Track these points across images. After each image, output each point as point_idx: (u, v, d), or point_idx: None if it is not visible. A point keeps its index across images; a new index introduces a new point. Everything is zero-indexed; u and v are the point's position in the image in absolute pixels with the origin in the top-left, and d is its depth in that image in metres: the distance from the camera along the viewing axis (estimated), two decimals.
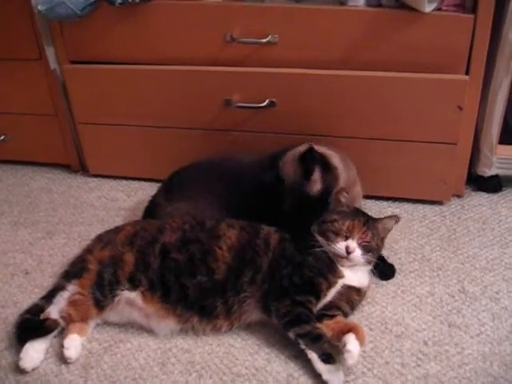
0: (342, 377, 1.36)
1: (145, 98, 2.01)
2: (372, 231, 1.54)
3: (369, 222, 1.56)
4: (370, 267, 1.57)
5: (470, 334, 1.50)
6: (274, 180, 1.66)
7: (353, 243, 1.50)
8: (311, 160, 1.61)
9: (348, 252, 1.49)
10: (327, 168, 1.65)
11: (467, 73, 1.76)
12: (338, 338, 1.39)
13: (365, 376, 1.38)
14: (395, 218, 1.60)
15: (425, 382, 1.37)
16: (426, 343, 1.47)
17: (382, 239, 1.59)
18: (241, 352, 1.48)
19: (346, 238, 1.51)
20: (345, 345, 1.33)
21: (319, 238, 1.53)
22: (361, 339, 1.36)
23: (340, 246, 1.50)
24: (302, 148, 1.66)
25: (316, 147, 1.64)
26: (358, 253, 1.50)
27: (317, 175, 1.62)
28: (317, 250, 1.52)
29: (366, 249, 1.51)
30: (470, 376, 1.38)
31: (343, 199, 1.59)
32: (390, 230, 1.61)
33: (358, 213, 1.60)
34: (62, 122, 2.21)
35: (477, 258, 1.75)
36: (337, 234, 1.52)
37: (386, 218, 1.61)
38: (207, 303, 1.49)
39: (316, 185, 1.63)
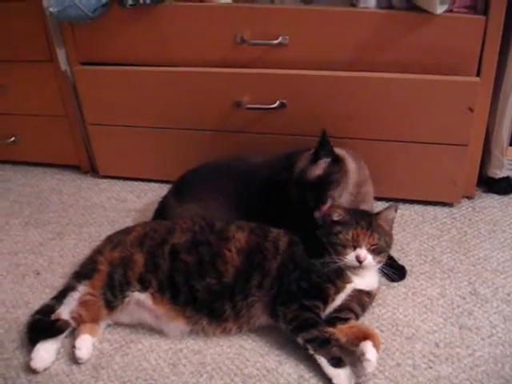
0: (353, 381, 1.36)
1: (155, 100, 2.02)
2: (377, 231, 1.53)
3: (371, 222, 1.54)
4: (378, 266, 1.56)
5: (482, 336, 1.49)
6: (288, 178, 1.67)
7: (362, 251, 1.49)
8: (321, 145, 1.63)
9: (359, 261, 1.48)
10: (337, 165, 1.65)
11: (478, 74, 1.76)
12: (352, 344, 1.39)
13: (376, 378, 1.38)
14: (394, 207, 1.59)
15: (436, 383, 1.37)
16: (437, 345, 1.47)
17: (389, 232, 1.58)
18: (251, 353, 1.48)
19: (354, 248, 1.50)
20: (363, 353, 1.33)
21: (330, 250, 1.52)
22: (377, 346, 1.36)
23: (350, 257, 1.49)
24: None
25: None
26: (369, 259, 1.49)
27: (322, 162, 1.63)
28: (327, 260, 1.50)
29: (376, 251, 1.51)
30: (482, 378, 1.37)
31: (337, 216, 1.57)
32: (393, 220, 1.60)
33: (358, 216, 1.56)
34: (72, 123, 2.22)
35: (488, 260, 1.74)
36: (344, 246, 1.51)
37: (384, 210, 1.59)
38: (216, 306, 1.49)
39: (317, 170, 1.63)
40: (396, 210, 1.60)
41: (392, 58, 1.78)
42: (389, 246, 1.56)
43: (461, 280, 1.68)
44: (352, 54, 1.81)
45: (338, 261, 1.49)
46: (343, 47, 1.81)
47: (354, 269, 1.51)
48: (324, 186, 1.63)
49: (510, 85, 1.81)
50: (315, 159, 1.64)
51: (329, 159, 1.64)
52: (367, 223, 1.53)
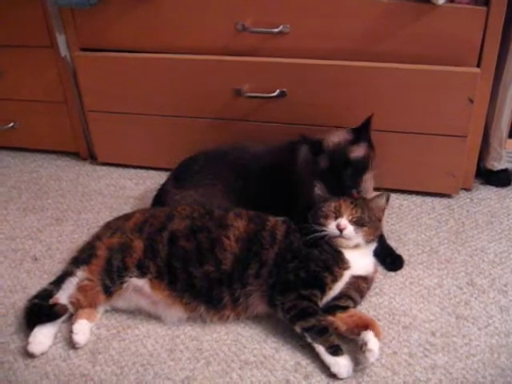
0: (351, 368, 1.36)
1: (155, 87, 2.01)
2: (361, 207, 1.54)
3: (357, 200, 1.57)
4: (372, 248, 1.58)
5: (478, 325, 1.50)
6: (290, 165, 1.68)
7: (343, 220, 1.50)
8: (365, 127, 1.65)
9: (340, 229, 1.49)
10: (372, 150, 1.69)
11: (479, 65, 1.76)
12: (353, 333, 1.41)
13: (373, 366, 1.39)
14: (385, 196, 1.60)
15: (432, 372, 1.37)
16: (433, 334, 1.48)
17: (378, 218, 1.59)
18: (249, 340, 1.48)
19: (336, 218, 1.52)
20: (365, 343, 1.34)
21: (315, 227, 1.52)
22: (378, 335, 1.37)
23: (331, 226, 1.51)
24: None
25: None
26: (350, 229, 1.50)
27: (363, 145, 1.66)
28: (316, 235, 1.51)
29: (358, 223, 1.51)
30: (478, 367, 1.38)
31: (320, 191, 1.61)
32: (383, 209, 1.61)
33: (344, 196, 1.60)
34: (71, 109, 2.21)
35: (485, 251, 1.75)
36: (326, 216, 1.53)
37: (375, 196, 1.61)
38: (214, 293, 1.49)
39: (359, 152, 1.64)
40: (388, 199, 1.61)
41: (393, 47, 1.78)
42: (374, 224, 1.55)
43: (458, 270, 1.68)
44: (352, 44, 1.81)
45: (322, 232, 1.50)
46: (343, 37, 1.80)
47: (341, 241, 1.51)
48: (364, 168, 1.66)
49: (509, 76, 1.80)
50: (357, 140, 1.65)
51: (366, 143, 1.66)
52: (352, 200, 1.56)
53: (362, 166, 1.65)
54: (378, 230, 1.58)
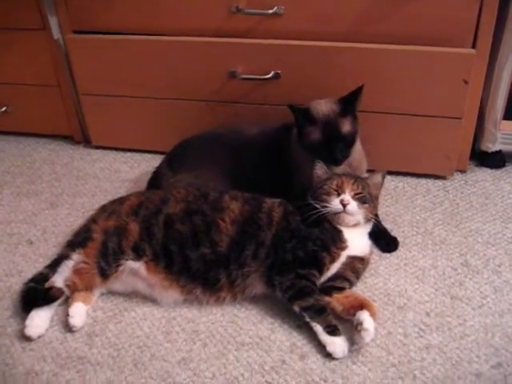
0: (346, 349, 1.37)
1: (148, 69, 2.00)
2: (361, 184, 1.57)
3: (357, 178, 1.60)
4: (369, 229, 1.60)
5: (472, 306, 1.51)
6: (287, 146, 1.69)
7: (346, 196, 1.52)
8: (353, 99, 1.64)
9: (343, 205, 1.51)
10: (357, 123, 1.68)
11: (474, 46, 1.75)
12: (348, 313, 1.42)
13: (368, 346, 1.39)
14: (382, 173, 1.64)
15: (427, 352, 1.38)
16: (428, 314, 1.49)
17: (376, 196, 1.61)
18: (245, 322, 1.49)
19: (339, 194, 1.54)
20: (361, 323, 1.35)
21: (317, 206, 1.53)
22: (374, 315, 1.39)
23: (335, 202, 1.52)
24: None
25: None
26: (353, 204, 1.52)
27: (350, 117, 1.65)
28: (317, 215, 1.52)
29: (360, 200, 1.54)
30: (472, 347, 1.39)
31: (319, 171, 1.63)
32: (380, 187, 1.64)
33: (344, 173, 1.64)
34: (64, 93, 2.20)
35: (479, 233, 1.76)
36: (328, 193, 1.54)
37: (372, 174, 1.65)
38: (210, 275, 1.49)
39: (348, 125, 1.64)
40: (384, 177, 1.64)
41: (387, 29, 1.77)
42: (373, 203, 1.59)
43: (452, 251, 1.69)
44: (346, 25, 1.80)
45: (324, 209, 1.51)
46: (338, 18, 1.79)
47: (344, 217, 1.52)
48: (352, 141, 1.66)
49: (504, 58, 1.80)
50: (345, 112, 1.64)
51: (353, 115, 1.66)
52: (352, 176, 1.59)
53: (351, 139, 1.66)
54: (375, 209, 1.61)
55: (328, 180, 1.59)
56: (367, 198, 1.55)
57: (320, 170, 1.63)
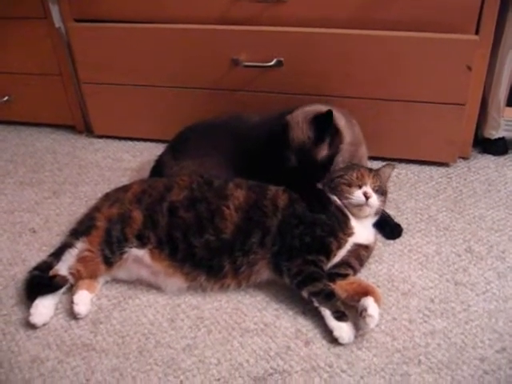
0: (353, 335, 1.38)
1: (150, 58, 1.99)
2: (378, 177, 1.61)
3: (372, 170, 1.63)
4: (375, 219, 1.61)
5: (476, 291, 1.51)
6: (281, 137, 1.65)
7: (368, 188, 1.56)
8: (327, 126, 1.60)
9: (367, 197, 1.54)
10: (334, 132, 1.63)
11: (477, 33, 1.74)
12: (353, 299, 1.42)
13: (373, 332, 1.40)
14: (392, 166, 1.69)
15: (431, 337, 1.39)
16: (432, 300, 1.49)
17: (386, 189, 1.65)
18: (249, 308, 1.49)
19: (360, 187, 1.56)
20: (365, 309, 1.35)
21: (333, 197, 1.57)
22: (378, 301, 1.39)
23: (358, 194, 1.55)
24: (314, 108, 1.64)
25: (321, 106, 1.64)
26: (374, 197, 1.55)
27: (326, 142, 1.62)
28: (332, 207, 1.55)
29: (379, 192, 1.58)
30: (476, 332, 1.40)
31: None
32: (389, 178, 1.70)
33: (359, 164, 1.67)
34: (66, 81, 2.20)
35: (483, 219, 1.76)
36: (349, 185, 1.57)
37: (384, 166, 1.69)
38: (214, 262, 1.49)
39: (324, 150, 1.62)
40: (393, 169, 1.70)
41: (390, 15, 1.76)
42: (385, 196, 1.62)
43: (456, 238, 1.69)
44: (350, 12, 1.79)
45: (344, 201, 1.56)
46: (342, 5, 1.78)
47: (364, 209, 1.55)
48: (330, 162, 1.64)
49: (508, 44, 1.80)
50: (320, 140, 1.60)
51: (329, 133, 1.62)
52: (369, 168, 1.62)
53: (328, 162, 1.64)
54: (385, 203, 1.64)
55: (347, 170, 1.61)
56: (384, 191, 1.60)
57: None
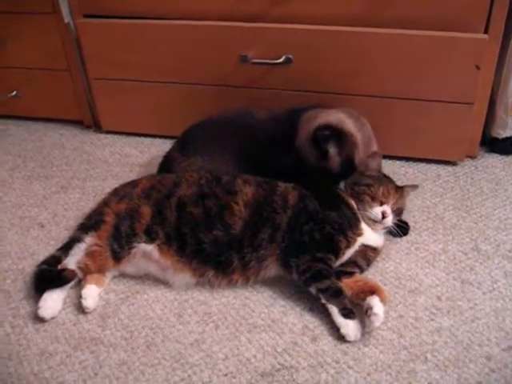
0: (359, 333, 1.38)
1: (159, 54, 2.00)
2: (401, 196, 1.61)
3: (398, 188, 1.63)
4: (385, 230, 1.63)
5: (483, 290, 1.51)
6: (291, 138, 1.68)
7: (388, 208, 1.56)
8: (323, 140, 1.62)
9: (384, 217, 1.54)
10: (341, 137, 1.65)
11: (486, 31, 1.74)
12: (358, 298, 1.43)
13: (379, 329, 1.40)
14: (415, 187, 1.70)
15: (438, 335, 1.39)
16: (439, 298, 1.49)
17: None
18: (257, 304, 1.50)
19: (381, 204, 1.56)
20: (371, 308, 1.36)
21: (351, 202, 1.58)
22: (384, 300, 1.39)
23: (376, 210, 1.55)
24: (316, 122, 1.66)
25: (324, 114, 1.65)
26: (391, 217, 1.56)
27: (332, 152, 1.64)
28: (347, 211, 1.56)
29: (396, 213, 1.58)
30: (483, 330, 1.40)
31: (374, 164, 1.66)
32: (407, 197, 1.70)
33: (388, 179, 1.66)
34: (74, 77, 2.20)
35: (490, 218, 1.76)
36: (373, 198, 1.57)
37: (408, 186, 1.69)
38: (223, 258, 1.50)
39: (335, 161, 1.64)
40: (416, 189, 1.73)
41: (399, 13, 1.76)
42: (401, 216, 1.65)
43: (463, 236, 1.69)
44: (359, 9, 1.79)
45: (361, 211, 1.56)
46: (351, 2, 1.78)
47: (376, 225, 1.56)
48: (349, 166, 1.66)
49: None
50: (324, 155, 1.64)
51: (334, 143, 1.64)
52: (396, 187, 1.62)
53: (346, 166, 1.67)
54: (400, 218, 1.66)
55: (376, 182, 1.61)
56: (401, 213, 1.62)
57: (374, 162, 1.66)
